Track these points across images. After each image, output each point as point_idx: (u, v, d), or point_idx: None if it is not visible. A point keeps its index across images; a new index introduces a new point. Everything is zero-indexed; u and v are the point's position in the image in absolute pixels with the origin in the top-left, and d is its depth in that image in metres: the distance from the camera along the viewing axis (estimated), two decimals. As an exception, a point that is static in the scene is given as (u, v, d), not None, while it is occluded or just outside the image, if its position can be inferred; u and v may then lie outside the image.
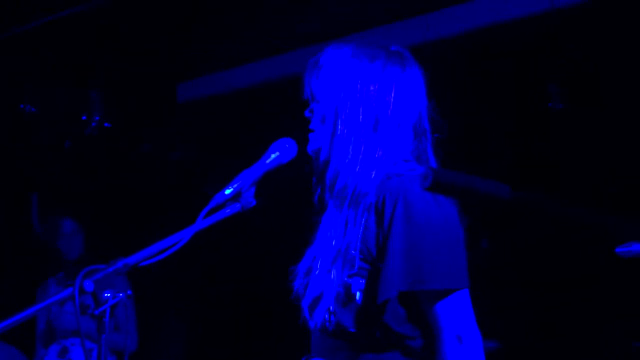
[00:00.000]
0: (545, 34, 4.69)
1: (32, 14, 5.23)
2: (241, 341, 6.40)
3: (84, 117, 6.02)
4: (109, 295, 1.87)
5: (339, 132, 2.20)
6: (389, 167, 2.19)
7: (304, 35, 5.12)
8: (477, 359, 2.07)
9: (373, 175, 2.17)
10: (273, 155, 2.23)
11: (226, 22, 5.30)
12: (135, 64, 5.81)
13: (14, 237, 6.65)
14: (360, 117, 2.19)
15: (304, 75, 2.32)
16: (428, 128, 2.27)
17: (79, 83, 5.95)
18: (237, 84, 5.82)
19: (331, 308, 2.13)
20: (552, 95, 4.77)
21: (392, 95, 2.21)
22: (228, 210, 2.13)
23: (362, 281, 2.11)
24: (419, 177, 2.04)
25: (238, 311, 6.49)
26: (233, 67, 5.79)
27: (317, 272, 2.17)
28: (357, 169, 2.17)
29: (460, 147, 4.88)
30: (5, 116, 6.11)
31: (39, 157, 6.40)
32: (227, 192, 2.13)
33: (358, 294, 2.12)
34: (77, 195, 6.44)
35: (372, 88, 2.21)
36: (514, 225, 5.04)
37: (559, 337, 5.24)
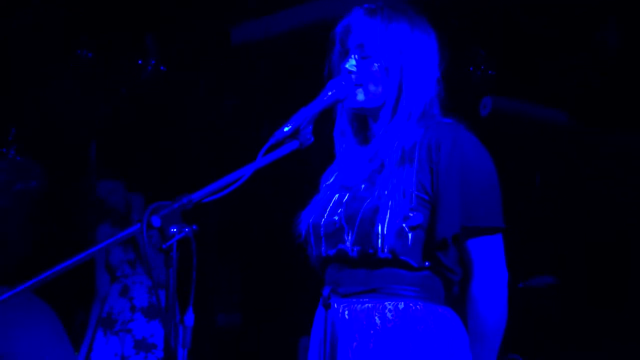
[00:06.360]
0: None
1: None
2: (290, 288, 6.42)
3: (139, 62, 6.06)
4: (175, 230, 1.89)
5: (405, 88, 2.31)
6: (438, 118, 2.34)
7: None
8: (503, 297, 2.21)
9: (428, 124, 2.31)
10: (330, 93, 2.30)
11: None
12: (190, 7, 5.82)
13: (74, 185, 6.76)
14: (424, 76, 2.33)
15: (347, 26, 2.41)
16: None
17: (134, 27, 5.97)
18: (291, 26, 5.78)
19: (385, 235, 2.18)
20: (609, 36, 4.70)
21: (438, 57, 2.38)
22: (287, 147, 2.16)
23: (420, 215, 2.20)
24: (463, 124, 2.29)
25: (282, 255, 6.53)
26: (287, 8, 5.76)
27: (367, 203, 2.24)
28: (417, 120, 2.31)
29: (517, 88, 4.82)
30: (63, 63, 6.17)
31: (96, 103, 6.46)
32: (286, 129, 2.16)
33: (415, 228, 2.20)
34: (133, 139, 6.51)
35: (429, 49, 2.36)
36: (568, 160, 4.99)
37: (614, 273, 5.22)
